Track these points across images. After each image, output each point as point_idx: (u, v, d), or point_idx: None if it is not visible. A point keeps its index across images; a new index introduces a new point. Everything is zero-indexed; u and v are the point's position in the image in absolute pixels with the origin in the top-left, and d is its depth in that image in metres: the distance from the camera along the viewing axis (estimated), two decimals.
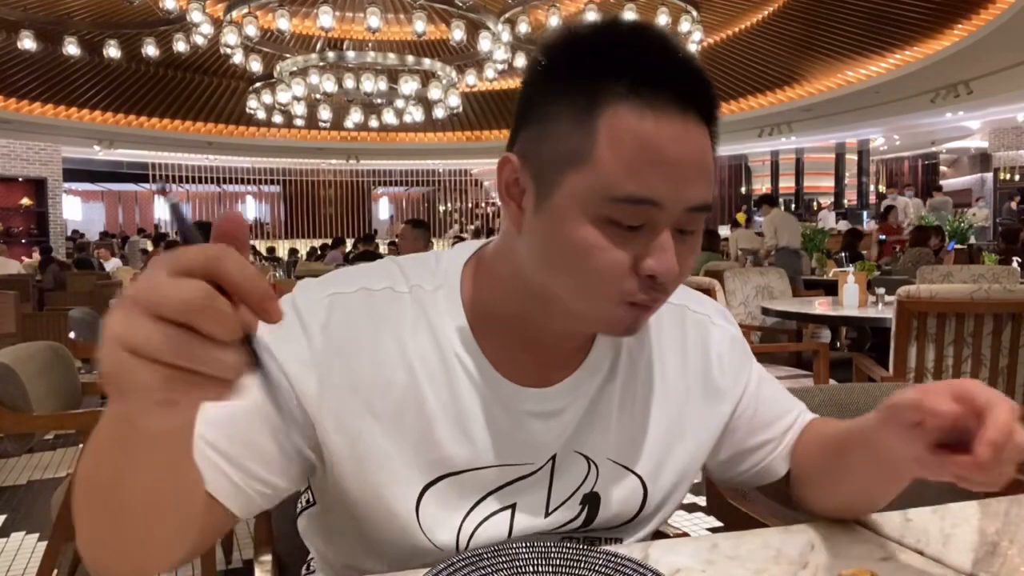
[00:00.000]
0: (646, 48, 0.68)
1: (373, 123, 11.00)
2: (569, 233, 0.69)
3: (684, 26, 7.96)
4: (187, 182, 19.76)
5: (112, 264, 11.89)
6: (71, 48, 8.80)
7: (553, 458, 0.80)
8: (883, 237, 10.34)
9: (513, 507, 0.80)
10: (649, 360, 0.86)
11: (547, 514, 0.81)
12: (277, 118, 10.89)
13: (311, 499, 0.88)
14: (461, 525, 0.78)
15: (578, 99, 0.68)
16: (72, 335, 4.28)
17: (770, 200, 9.43)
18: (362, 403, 0.76)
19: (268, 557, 1.04)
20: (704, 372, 0.88)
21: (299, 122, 10.99)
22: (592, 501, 0.82)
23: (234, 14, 7.31)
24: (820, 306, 3.94)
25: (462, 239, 17.40)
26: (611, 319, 0.72)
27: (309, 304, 0.77)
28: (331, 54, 8.29)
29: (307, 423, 0.75)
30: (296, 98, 8.82)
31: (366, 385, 0.76)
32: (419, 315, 0.79)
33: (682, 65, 0.68)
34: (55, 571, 2.09)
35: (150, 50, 8.62)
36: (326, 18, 6.81)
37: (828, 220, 13.67)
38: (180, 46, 7.99)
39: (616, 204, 0.67)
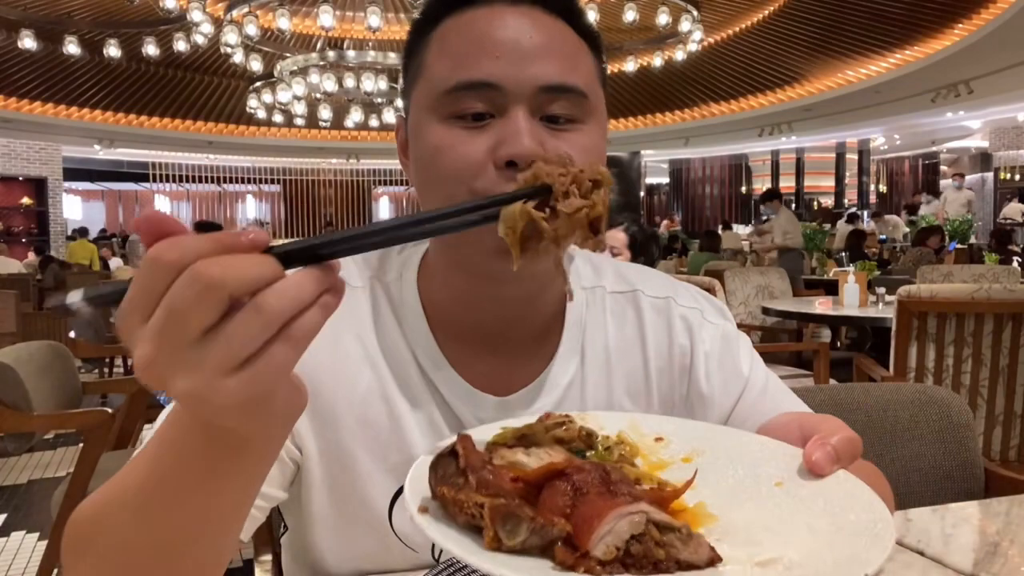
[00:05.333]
0: None
1: (373, 122, 10.99)
2: (423, 143, 0.69)
3: (684, 26, 7.95)
4: (187, 182, 19.76)
5: (114, 263, 11.91)
6: (71, 47, 8.79)
7: None
8: None
9: None
10: (631, 362, 0.80)
11: None
12: (277, 117, 10.88)
13: (285, 525, 0.85)
14: None
15: (421, 38, 0.73)
16: (72, 335, 4.28)
17: (780, 196, 9.03)
18: (326, 404, 0.74)
19: (268, 557, 1.04)
20: (690, 373, 0.81)
21: (299, 121, 10.98)
22: None
23: (234, 13, 7.30)
24: (820, 306, 3.94)
25: None
26: (482, 233, 0.65)
27: None
28: (331, 53, 8.28)
29: None
30: (296, 97, 8.81)
31: (328, 385, 0.74)
32: (379, 310, 0.77)
33: None
34: (55, 571, 2.09)
35: (150, 49, 8.61)
36: (326, 17, 6.80)
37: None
38: (180, 45, 7.98)
39: (451, 96, 0.67)
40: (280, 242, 0.42)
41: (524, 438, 0.53)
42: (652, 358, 0.80)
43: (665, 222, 17.51)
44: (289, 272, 0.41)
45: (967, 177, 14.35)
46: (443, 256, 0.75)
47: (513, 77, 0.66)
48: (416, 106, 0.71)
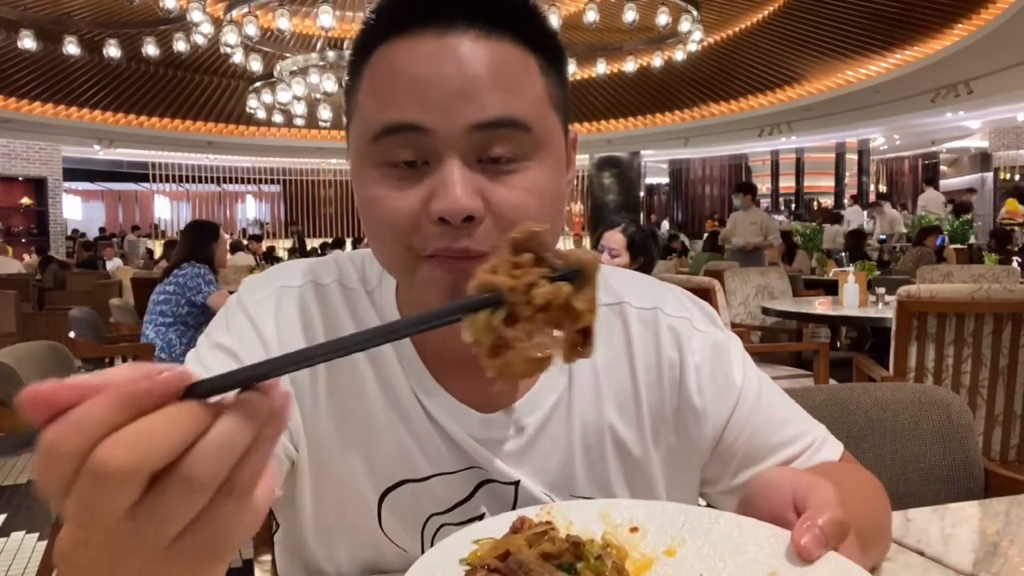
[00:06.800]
0: None
1: None
2: (360, 192, 0.66)
3: (684, 26, 7.95)
4: (187, 182, 19.75)
5: (112, 264, 11.90)
6: (71, 47, 8.78)
7: (517, 483, 0.75)
8: None
9: (481, 518, 0.75)
10: (619, 378, 0.77)
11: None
12: (277, 118, 10.88)
13: (276, 523, 0.84)
14: (423, 535, 0.75)
15: (356, 70, 0.66)
16: (72, 335, 4.28)
17: (754, 191, 8.28)
18: (316, 401, 0.73)
19: (268, 557, 1.04)
20: (681, 386, 0.77)
21: (299, 121, 10.97)
22: None
23: (234, 13, 7.30)
24: (820, 306, 3.94)
25: None
26: (426, 280, 0.63)
27: (256, 302, 0.75)
28: (331, 53, 8.27)
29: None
30: (296, 97, 8.80)
31: (320, 382, 0.73)
32: (365, 312, 0.76)
33: None
34: (55, 571, 2.09)
35: (150, 49, 8.61)
36: (326, 17, 6.79)
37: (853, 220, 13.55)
38: (180, 45, 7.98)
39: (380, 142, 0.62)
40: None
41: (508, 557, 0.49)
42: (640, 372, 0.77)
43: (707, 222, 17.76)
44: (217, 398, 0.35)
45: (962, 178, 14.36)
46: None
47: (440, 119, 0.60)
48: (353, 148, 0.67)
